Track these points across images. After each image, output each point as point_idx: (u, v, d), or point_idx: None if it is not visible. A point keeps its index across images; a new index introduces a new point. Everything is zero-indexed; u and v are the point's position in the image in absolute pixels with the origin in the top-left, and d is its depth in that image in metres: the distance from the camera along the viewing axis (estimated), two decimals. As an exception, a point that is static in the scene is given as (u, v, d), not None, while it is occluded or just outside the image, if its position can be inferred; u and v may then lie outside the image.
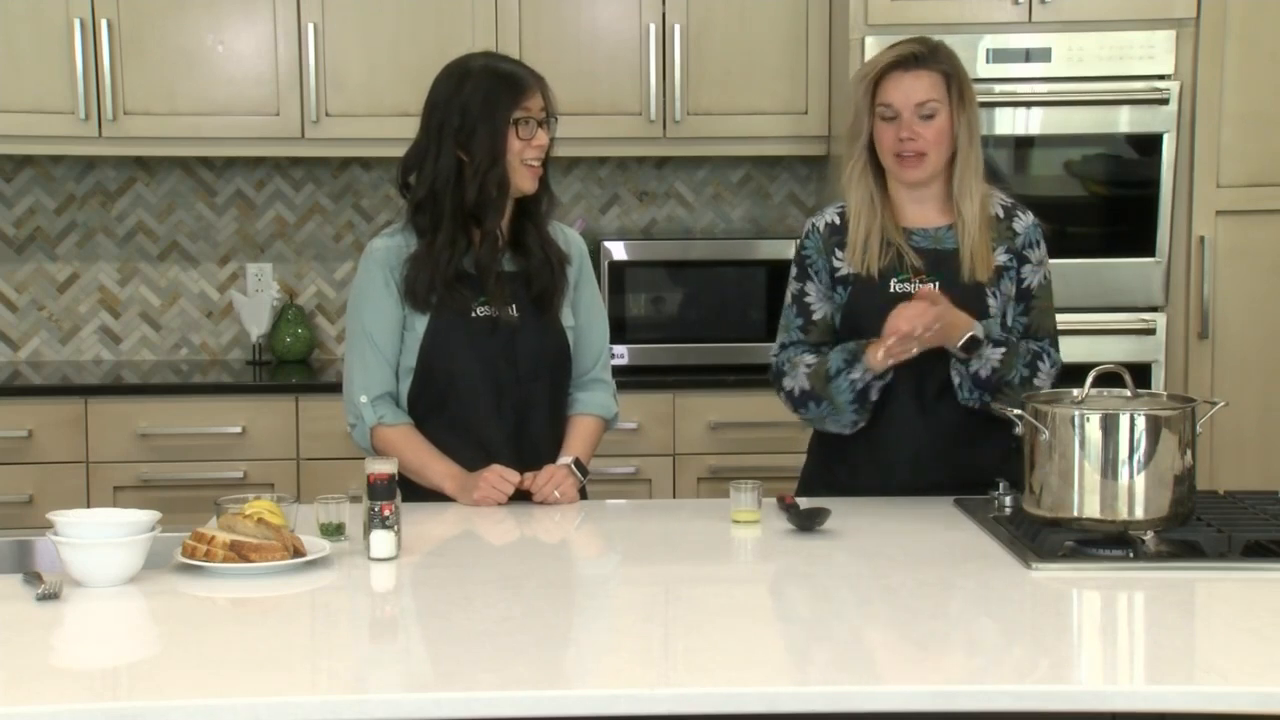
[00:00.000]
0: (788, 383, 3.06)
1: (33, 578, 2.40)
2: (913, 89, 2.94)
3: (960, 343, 2.91)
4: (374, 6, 4.55)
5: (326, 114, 4.55)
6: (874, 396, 2.98)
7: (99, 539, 2.41)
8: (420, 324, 3.03)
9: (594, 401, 3.17)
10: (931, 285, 2.97)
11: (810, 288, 3.07)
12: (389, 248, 3.06)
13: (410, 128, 3.12)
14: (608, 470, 4.23)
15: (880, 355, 2.89)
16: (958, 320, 2.91)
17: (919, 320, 2.84)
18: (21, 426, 4.34)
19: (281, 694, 1.96)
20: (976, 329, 2.93)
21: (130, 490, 4.34)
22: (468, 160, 2.98)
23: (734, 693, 1.99)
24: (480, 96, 2.97)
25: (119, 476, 4.35)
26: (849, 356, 2.97)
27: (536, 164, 3.01)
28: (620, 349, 4.38)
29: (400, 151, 3.10)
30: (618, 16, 4.59)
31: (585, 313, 3.17)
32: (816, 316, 3.07)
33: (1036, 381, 2.99)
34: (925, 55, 2.96)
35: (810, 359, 3.03)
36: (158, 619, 2.32)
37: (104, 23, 4.46)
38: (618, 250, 4.54)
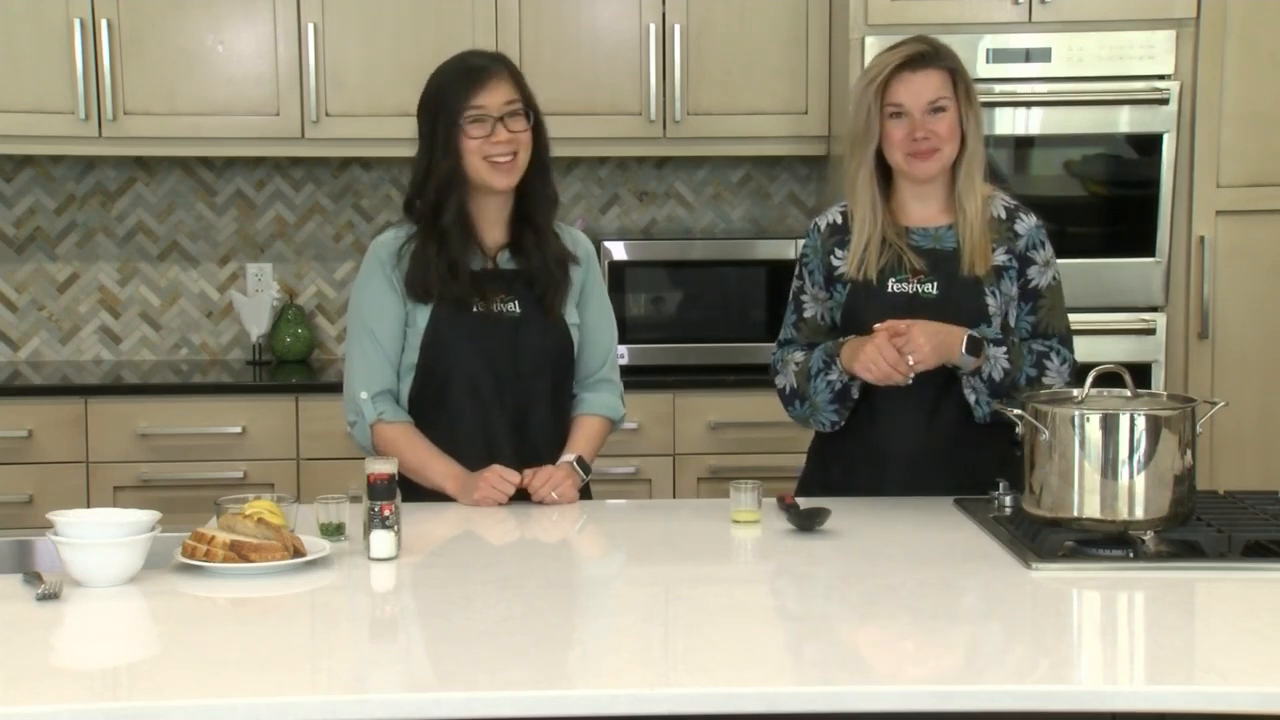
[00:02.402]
0: (779, 380, 3.08)
1: (33, 578, 2.40)
2: (923, 88, 2.94)
3: (963, 348, 2.90)
4: (374, 6, 4.55)
5: (326, 114, 4.55)
6: (854, 395, 2.98)
7: (99, 539, 2.41)
8: (422, 320, 3.03)
9: (600, 402, 3.17)
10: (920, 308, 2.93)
11: (806, 287, 3.09)
12: (391, 244, 3.06)
13: (410, 127, 3.13)
14: (608, 470, 4.22)
15: (853, 365, 2.90)
16: (950, 336, 2.90)
17: (878, 374, 2.85)
18: (21, 426, 4.34)
19: (281, 694, 1.96)
20: (972, 332, 2.92)
21: (130, 490, 4.34)
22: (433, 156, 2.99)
23: (734, 693, 1.99)
24: (437, 92, 2.99)
25: (119, 476, 4.35)
26: (827, 357, 2.98)
27: (504, 160, 2.97)
28: (620, 349, 4.33)
29: (400, 152, 3.11)
30: (618, 16, 4.59)
31: (594, 314, 3.17)
32: (808, 315, 3.09)
33: (1046, 380, 2.96)
34: (930, 54, 2.96)
35: (799, 357, 3.05)
36: (158, 619, 2.32)
37: (104, 23, 4.46)
38: (618, 250, 4.53)
